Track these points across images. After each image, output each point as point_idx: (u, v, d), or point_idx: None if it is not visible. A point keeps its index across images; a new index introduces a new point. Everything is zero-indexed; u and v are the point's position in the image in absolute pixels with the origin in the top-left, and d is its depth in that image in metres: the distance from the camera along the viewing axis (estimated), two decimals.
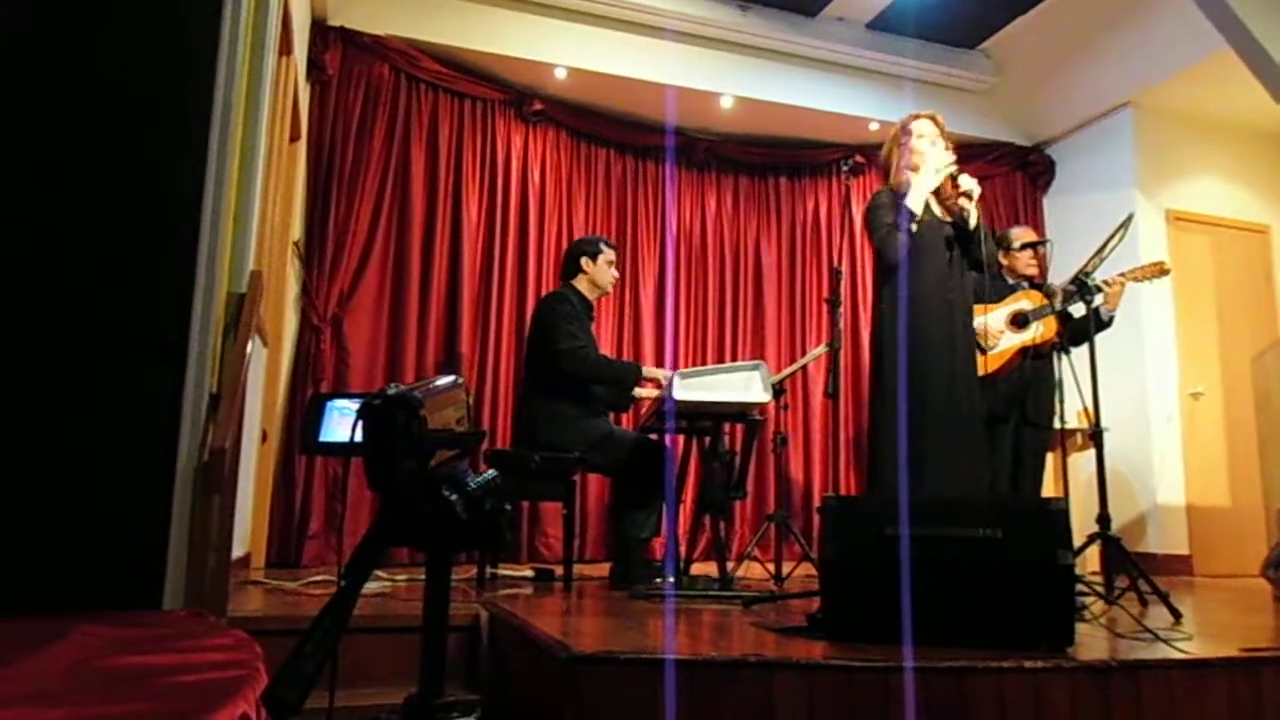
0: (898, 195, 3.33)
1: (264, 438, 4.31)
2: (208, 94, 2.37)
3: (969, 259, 3.36)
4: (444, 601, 1.15)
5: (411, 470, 1.03)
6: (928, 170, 3.28)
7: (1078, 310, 4.04)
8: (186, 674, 1.38)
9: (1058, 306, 4.02)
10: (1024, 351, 4.07)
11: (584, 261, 4.16)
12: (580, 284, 4.17)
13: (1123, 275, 4.06)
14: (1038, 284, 4.36)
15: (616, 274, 4.28)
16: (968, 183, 3.27)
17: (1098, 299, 3.70)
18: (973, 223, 3.30)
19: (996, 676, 1.95)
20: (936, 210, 3.36)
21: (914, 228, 3.22)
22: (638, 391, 4.09)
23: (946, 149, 3.35)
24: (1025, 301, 4.11)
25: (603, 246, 4.21)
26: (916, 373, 3.09)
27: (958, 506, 2.46)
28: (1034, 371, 4.18)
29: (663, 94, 5.61)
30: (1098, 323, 3.70)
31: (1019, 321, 4.08)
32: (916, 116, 3.43)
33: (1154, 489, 5.63)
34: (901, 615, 2.17)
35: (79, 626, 1.68)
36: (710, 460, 3.87)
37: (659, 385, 4.01)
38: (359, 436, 1.02)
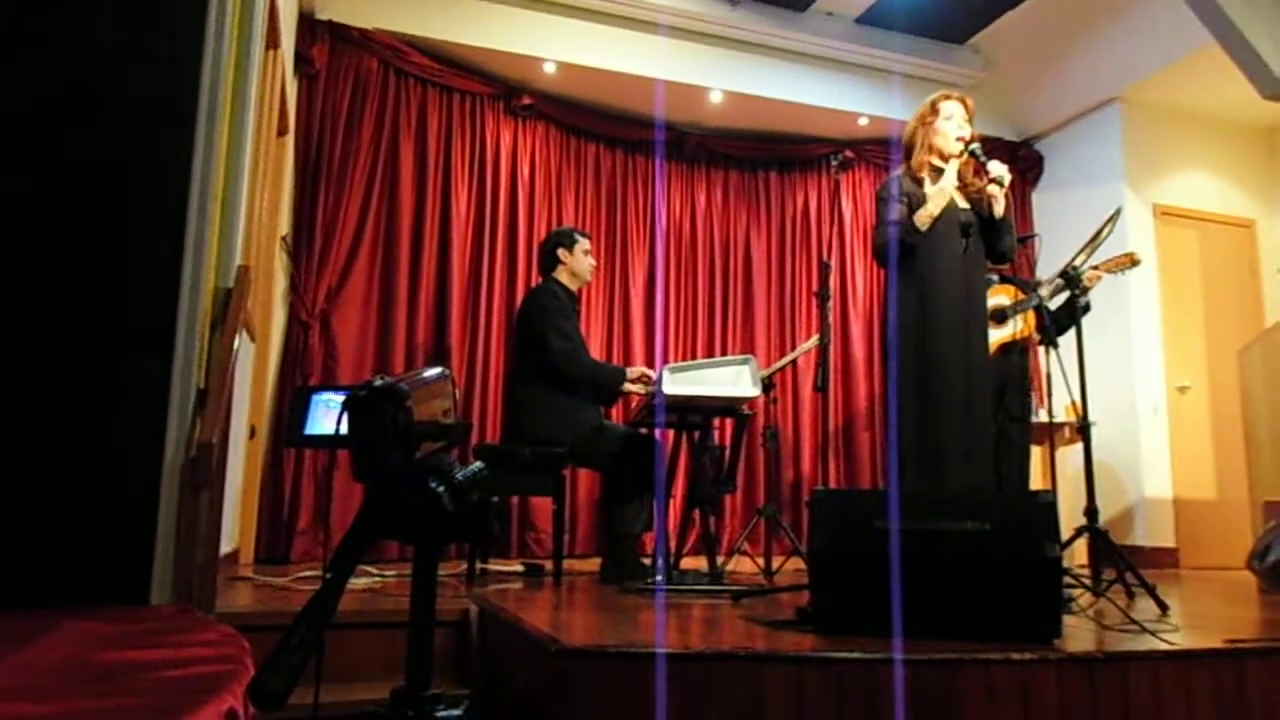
0: (913, 181, 3.28)
1: (252, 433, 4.29)
2: (194, 88, 2.36)
3: (991, 249, 3.29)
4: (431, 594, 1.15)
5: (397, 462, 1.03)
6: (942, 189, 3.18)
7: (1055, 302, 4.06)
8: (174, 669, 1.37)
9: (1034, 301, 4.03)
10: (1005, 346, 4.08)
11: (560, 253, 4.16)
12: (561, 276, 4.17)
13: (1097, 268, 4.08)
14: (1013, 279, 4.38)
15: (594, 261, 4.28)
16: (998, 169, 3.19)
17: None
18: (999, 211, 3.21)
19: (984, 668, 1.96)
20: (955, 196, 3.25)
21: (905, 228, 3.16)
22: (626, 387, 4.09)
23: (973, 138, 3.27)
24: (1002, 297, 4.12)
25: (577, 236, 4.21)
26: (930, 363, 3.08)
27: (946, 500, 2.47)
28: (1012, 367, 4.20)
29: (652, 88, 5.61)
30: (1077, 311, 3.70)
31: (997, 317, 4.09)
32: (947, 97, 3.33)
33: (1141, 482, 5.66)
34: (890, 608, 2.18)
35: (66, 622, 1.67)
36: (700, 454, 3.88)
37: (647, 381, 4.00)
38: (345, 428, 1.02)
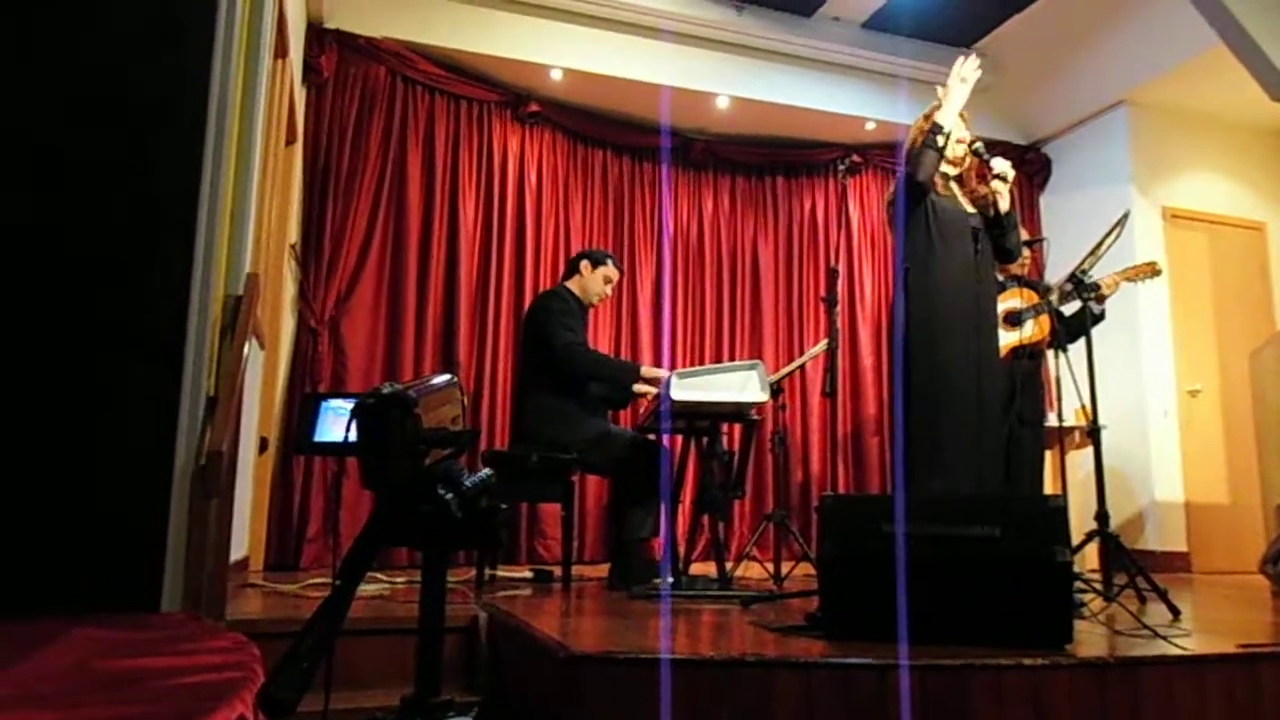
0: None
1: (264, 446, 4.30)
2: (203, 97, 2.37)
3: (997, 247, 3.31)
4: (440, 600, 1.15)
5: (406, 469, 1.03)
6: (957, 95, 3.22)
7: (1069, 308, 4.04)
8: (184, 676, 1.38)
9: (1050, 304, 4.02)
10: (1016, 350, 4.07)
11: (583, 265, 4.22)
12: (573, 285, 4.22)
13: (1118, 274, 4.07)
14: (1029, 282, 4.36)
15: (608, 293, 4.32)
16: (1001, 165, 3.23)
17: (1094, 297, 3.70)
18: (1004, 206, 3.24)
19: (995, 674, 1.96)
20: (963, 202, 3.30)
21: (940, 140, 3.18)
22: (637, 388, 4.09)
23: (973, 143, 3.30)
24: (1017, 300, 4.11)
25: (608, 261, 4.26)
26: (939, 367, 3.07)
27: (956, 505, 2.46)
28: (1025, 371, 4.18)
29: (659, 95, 5.61)
30: (1091, 317, 3.70)
31: (1012, 320, 4.08)
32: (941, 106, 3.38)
33: (1152, 486, 5.63)
34: (900, 613, 2.17)
35: (77, 629, 1.68)
36: (708, 460, 3.87)
37: (657, 384, 4.01)
38: (354, 435, 1.02)
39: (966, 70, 3.26)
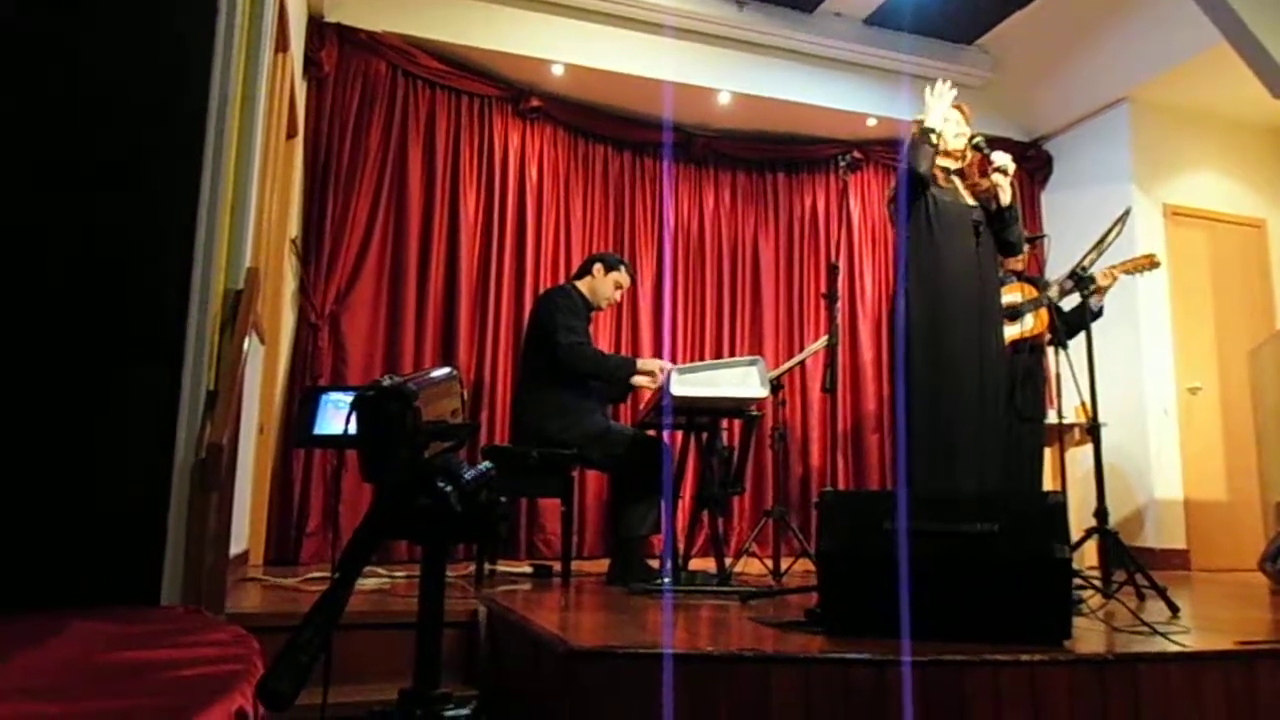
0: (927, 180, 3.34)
1: (260, 429, 4.30)
2: (203, 91, 2.37)
3: (1000, 242, 3.34)
4: (439, 594, 1.15)
5: (406, 462, 1.03)
6: (937, 108, 3.34)
7: (1066, 304, 4.04)
8: (184, 669, 1.38)
9: (1048, 299, 4.02)
10: (1017, 344, 4.07)
11: (596, 267, 4.25)
12: (583, 285, 4.25)
13: (1114, 268, 4.07)
14: (1029, 278, 4.36)
15: (617, 299, 4.35)
16: (1001, 158, 3.28)
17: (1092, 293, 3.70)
18: (1005, 199, 3.28)
19: (993, 669, 1.96)
20: (964, 195, 3.33)
21: (933, 138, 3.28)
22: (635, 380, 4.09)
23: (974, 138, 3.34)
24: (1016, 294, 4.11)
25: (621, 267, 4.28)
26: (943, 362, 3.08)
27: (955, 501, 2.46)
28: (1025, 366, 4.18)
29: (660, 90, 5.61)
30: (1089, 313, 3.70)
31: (1010, 314, 4.08)
32: None
33: (1151, 483, 5.63)
34: (899, 609, 2.17)
35: (77, 622, 1.68)
36: (708, 456, 3.87)
37: (654, 375, 4.00)
38: (353, 428, 1.02)
39: (940, 90, 3.39)
